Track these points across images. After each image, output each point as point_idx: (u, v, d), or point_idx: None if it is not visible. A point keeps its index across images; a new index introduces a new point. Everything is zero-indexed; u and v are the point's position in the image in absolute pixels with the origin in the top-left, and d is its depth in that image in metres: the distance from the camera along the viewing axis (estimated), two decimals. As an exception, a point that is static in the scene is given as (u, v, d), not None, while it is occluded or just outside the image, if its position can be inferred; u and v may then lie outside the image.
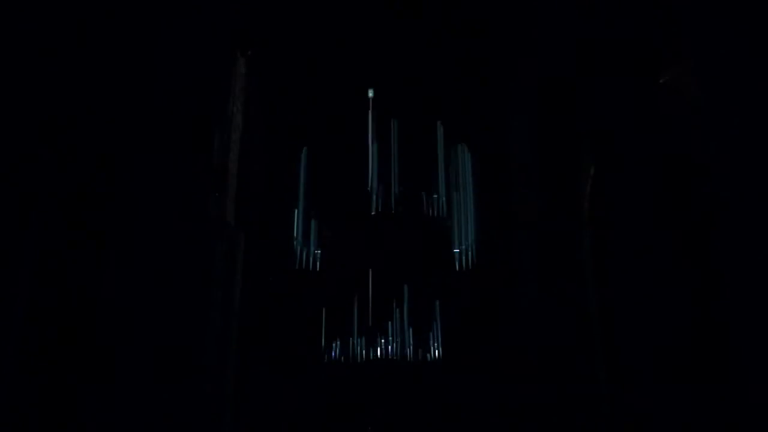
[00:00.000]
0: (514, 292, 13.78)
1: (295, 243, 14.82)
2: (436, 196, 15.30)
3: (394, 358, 14.02)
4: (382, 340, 14.10)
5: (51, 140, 8.25)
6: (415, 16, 13.98)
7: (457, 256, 14.89)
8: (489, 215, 15.08)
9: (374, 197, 15.21)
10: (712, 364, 8.14)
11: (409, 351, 14.11)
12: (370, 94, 15.80)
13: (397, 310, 14.32)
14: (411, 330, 14.21)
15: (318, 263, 14.81)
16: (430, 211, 15.23)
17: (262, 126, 14.05)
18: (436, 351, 14.14)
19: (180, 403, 8.12)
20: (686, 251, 8.72)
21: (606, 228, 10.72)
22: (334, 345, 14.12)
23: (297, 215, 15.03)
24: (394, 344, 14.07)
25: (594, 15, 10.38)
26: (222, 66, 10.18)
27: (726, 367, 7.63)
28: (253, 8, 11.38)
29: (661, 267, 8.75)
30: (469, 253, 14.87)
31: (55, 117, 8.30)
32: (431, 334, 14.23)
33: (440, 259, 14.93)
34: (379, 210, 15.14)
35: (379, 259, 14.74)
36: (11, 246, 7.58)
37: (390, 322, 14.20)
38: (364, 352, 14.06)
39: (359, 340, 14.13)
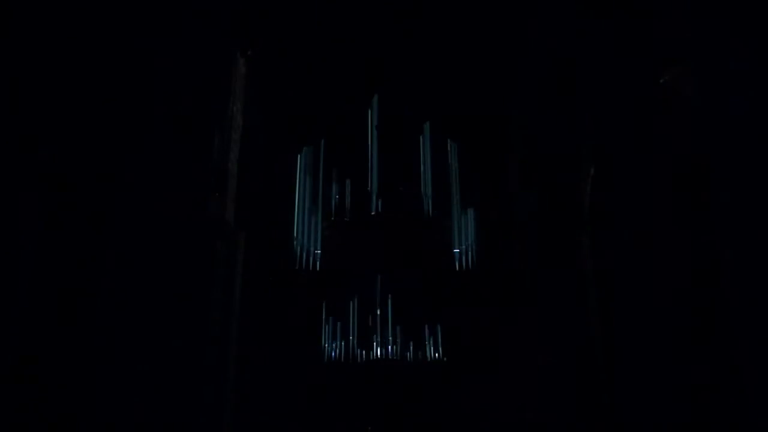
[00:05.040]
0: (513, 292, 13.81)
1: (295, 243, 14.81)
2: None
3: (394, 358, 14.01)
4: (382, 341, 14.09)
5: (51, 140, 8.25)
6: (416, 15, 13.97)
7: (457, 256, 14.89)
8: (489, 215, 15.09)
9: (374, 197, 15.21)
10: (712, 364, 8.13)
11: (409, 351, 14.10)
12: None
13: (398, 310, 14.30)
14: (411, 331, 14.20)
15: (318, 263, 14.80)
16: (430, 211, 15.22)
17: (262, 126, 14.04)
18: (436, 352, 14.13)
19: (180, 403, 8.12)
20: (687, 250, 8.71)
21: (606, 228, 10.73)
22: (333, 345, 14.11)
23: (297, 215, 15.02)
24: (394, 345, 14.06)
25: (594, 14, 10.38)
26: (222, 66, 10.18)
27: (726, 366, 7.63)
28: (253, 8, 11.37)
29: (661, 266, 8.75)
30: (469, 253, 14.87)
31: (55, 117, 8.30)
32: (431, 335, 14.22)
33: (440, 259, 14.92)
34: (379, 210, 15.14)
35: (379, 259, 14.73)
36: (11, 246, 7.57)
37: (390, 323, 14.19)
38: (363, 352, 14.05)
39: (359, 340, 14.12)
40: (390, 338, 14.09)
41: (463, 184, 15.51)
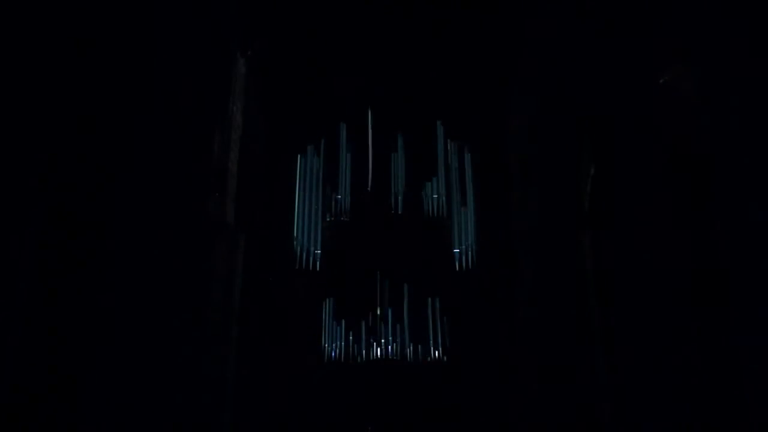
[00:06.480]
0: (514, 292, 13.79)
1: (295, 243, 14.82)
2: (436, 196, 15.30)
3: (394, 358, 14.01)
4: (382, 340, 14.09)
5: (51, 140, 8.24)
6: (416, 15, 13.97)
7: (457, 256, 14.90)
8: (489, 215, 15.09)
9: (374, 197, 15.20)
10: (714, 364, 8.13)
11: (409, 351, 14.10)
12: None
13: (398, 310, 14.31)
14: (411, 330, 14.20)
15: (318, 263, 14.80)
16: (430, 211, 15.22)
17: (262, 126, 14.05)
18: (436, 351, 14.14)
19: (179, 403, 8.12)
20: (688, 250, 8.71)
21: (606, 228, 10.72)
22: (334, 345, 14.11)
23: (297, 215, 15.02)
24: (394, 344, 14.06)
25: (595, 14, 10.37)
26: (222, 66, 10.18)
27: (727, 367, 7.63)
28: (254, 8, 11.37)
29: (662, 266, 8.74)
30: (469, 253, 14.87)
31: (55, 117, 8.29)
32: (431, 335, 14.23)
33: (440, 259, 14.93)
34: (380, 210, 15.13)
35: (379, 259, 14.73)
36: (11, 246, 7.57)
37: (390, 323, 14.19)
38: (364, 352, 14.06)
39: (359, 340, 14.12)
40: (390, 338, 14.09)
41: (464, 184, 15.52)
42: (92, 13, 8.79)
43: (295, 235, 14.87)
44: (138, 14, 9.18)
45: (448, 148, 15.82)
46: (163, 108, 9.04)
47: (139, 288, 8.21)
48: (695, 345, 8.33)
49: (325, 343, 14.13)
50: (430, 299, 14.48)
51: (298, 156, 15.51)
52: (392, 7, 13.82)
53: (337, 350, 14.08)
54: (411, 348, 14.12)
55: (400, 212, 15.19)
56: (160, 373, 8.02)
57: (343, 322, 14.23)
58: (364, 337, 14.14)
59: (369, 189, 15.30)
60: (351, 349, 14.07)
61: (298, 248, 14.78)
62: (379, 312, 14.28)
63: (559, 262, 11.67)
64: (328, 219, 15.16)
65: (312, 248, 14.80)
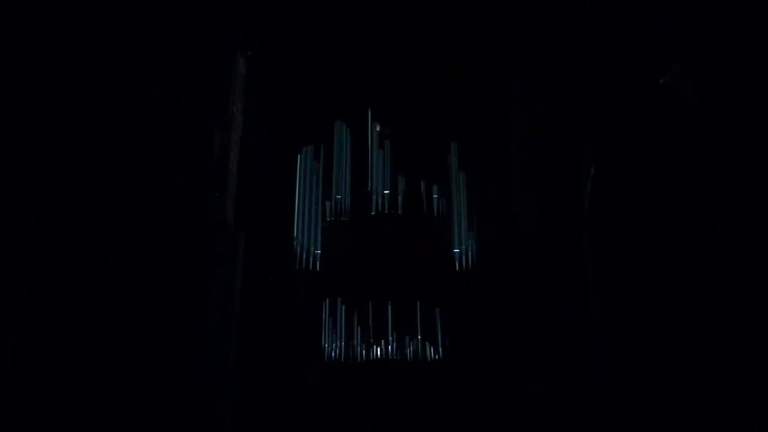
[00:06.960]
0: (514, 292, 13.80)
1: (295, 243, 14.82)
2: (436, 196, 15.31)
3: (394, 358, 14.00)
4: (382, 341, 14.09)
5: (51, 140, 8.24)
6: (416, 15, 13.98)
7: (457, 256, 14.90)
8: (489, 215, 15.09)
9: (374, 197, 15.20)
10: (715, 367, 8.13)
11: (409, 351, 14.09)
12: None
13: (397, 310, 14.30)
14: (411, 330, 14.19)
15: (318, 263, 14.80)
16: (430, 211, 15.22)
17: (262, 126, 14.05)
18: (436, 352, 14.13)
19: (179, 403, 8.12)
20: (688, 250, 8.71)
21: (606, 228, 10.73)
22: (334, 345, 14.11)
23: (297, 215, 15.02)
24: (394, 344, 14.06)
25: (595, 14, 10.37)
26: (222, 66, 10.18)
27: (727, 366, 7.63)
28: (254, 9, 11.37)
29: (662, 266, 8.74)
30: (469, 253, 14.87)
31: (55, 117, 8.29)
32: (431, 335, 14.22)
33: (440, 259, 14.92)
34: (379, 210, 15.13)
35: (379, 259, 14.73)
36: (11, 246, 7.57)
37: (390, 323, 14.18)
38: (363, 352, 14.05)
39: (359, 340, 14.12)
40: (390, 338, 14.09)
41: (464, 184, 15.51)
42: (92, 13, 8.79)
43: (295, 235, 14.86)
44: (138, 14, 9.18)
45: (449, 148, 15.81)
46: (163, 108, 9.04)
47: (139, 288, 8.21)
48: (695, 345, 8.33)
49: (325, 343, 14.12)
50: (430, 299, 14.46)
51: (298, 156, 15.51)
52: (392, 8, 13.83)
53: (337, 350, 14.07)
54: (411, 348, 14.12)
55: (400, 212, 15.18)
56: (160, 373, 8.02)
57: (343, 322, 14.22)
58: (363, 337, 14.13)
59: (369, 189, 15.29)
60: (351, 349, 14.06)
61: (298, 248, 14.78)
62: (379, 312, 14.26)
63: (559, 262, 11.68)
64: (328, 219, 15.16)
65: (312, 248, 14.80)
